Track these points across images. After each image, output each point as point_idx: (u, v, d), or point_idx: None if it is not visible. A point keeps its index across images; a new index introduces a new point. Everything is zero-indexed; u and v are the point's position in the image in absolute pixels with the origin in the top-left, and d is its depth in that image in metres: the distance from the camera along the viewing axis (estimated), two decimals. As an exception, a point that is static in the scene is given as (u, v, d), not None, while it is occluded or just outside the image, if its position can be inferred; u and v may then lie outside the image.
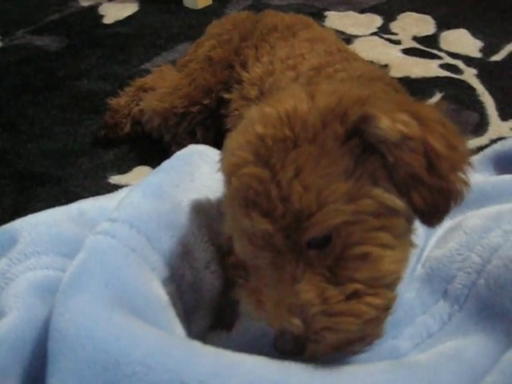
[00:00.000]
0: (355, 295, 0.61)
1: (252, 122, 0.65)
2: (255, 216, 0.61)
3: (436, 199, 0.62)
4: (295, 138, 0.61)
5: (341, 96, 0.64)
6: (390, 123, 0.61)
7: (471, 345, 0.70)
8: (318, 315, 0.60)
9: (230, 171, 0.65)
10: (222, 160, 0.71)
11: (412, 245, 0.69)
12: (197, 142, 1.00)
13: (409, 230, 0.67)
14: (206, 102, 1.26)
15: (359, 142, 0.62)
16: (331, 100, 0.63)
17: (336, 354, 0.64)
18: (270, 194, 0.60)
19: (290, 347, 0.61)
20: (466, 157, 0.65)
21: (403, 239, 0.66)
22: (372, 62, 1.48)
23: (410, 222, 0.66)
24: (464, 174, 0.64)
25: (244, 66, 1.19)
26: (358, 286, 0.61)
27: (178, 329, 0.72)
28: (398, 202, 0.62)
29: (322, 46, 1.11)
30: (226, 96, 1.22)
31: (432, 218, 0.65)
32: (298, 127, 0.62)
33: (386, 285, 0.63)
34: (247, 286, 0.68)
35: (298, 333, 0.60)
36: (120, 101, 1.42)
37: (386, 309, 0.64)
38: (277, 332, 0.62)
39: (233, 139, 0.68)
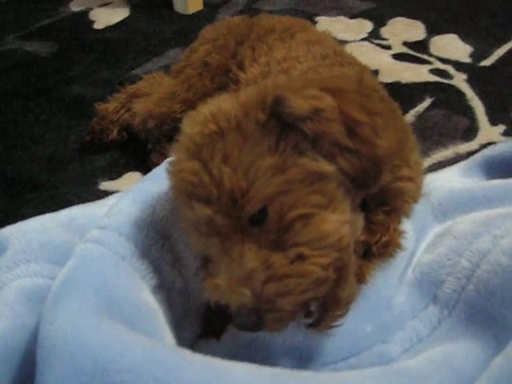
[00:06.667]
0: (300, 258, 0.63)
1: (183, 126, 0.71)
2: (195, 204, 0.65)
3: (363, 164, 0.66)
4: (220, 130, 0.66)
5: (260, 88, 0.69)
6: (300, 100, 0.65)
7: (461, 350, 0.70)
8: (266, 282, 0.62)
9: (169, 172, 0.70)
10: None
11: (356, 211, 0.71)
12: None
13: (346, 195, 0.68)
14: None
15: (277, 122, 0.66)
16: (252, 93, 0.69)
17: (298, 329, 0.66)
18: (204, 182, 0.64)
19: (248, 322, 0.63)
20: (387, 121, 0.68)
21: (340, 203, 0.67)
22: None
23: (343, 186, 0.68)
24: (387, 137, 0.67)
25: (241, 66, 1.19)
26: (302, 249, 0.63)
27: (168, 336, 0.72)
28: (326, 167, 0.66)
29: (319, 48, 1.11)
30: None
31: (363, 183, 0.68)
32: (222, 121, 0.67)
33: (330, 245, 0.64)
34: (205, 274, 0.70)
35: (251, 304, 0.62)
36: (108, 106, 1.41)
37: (338, 268, 0.65)
38: (234, 308, 0.63)
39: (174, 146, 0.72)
